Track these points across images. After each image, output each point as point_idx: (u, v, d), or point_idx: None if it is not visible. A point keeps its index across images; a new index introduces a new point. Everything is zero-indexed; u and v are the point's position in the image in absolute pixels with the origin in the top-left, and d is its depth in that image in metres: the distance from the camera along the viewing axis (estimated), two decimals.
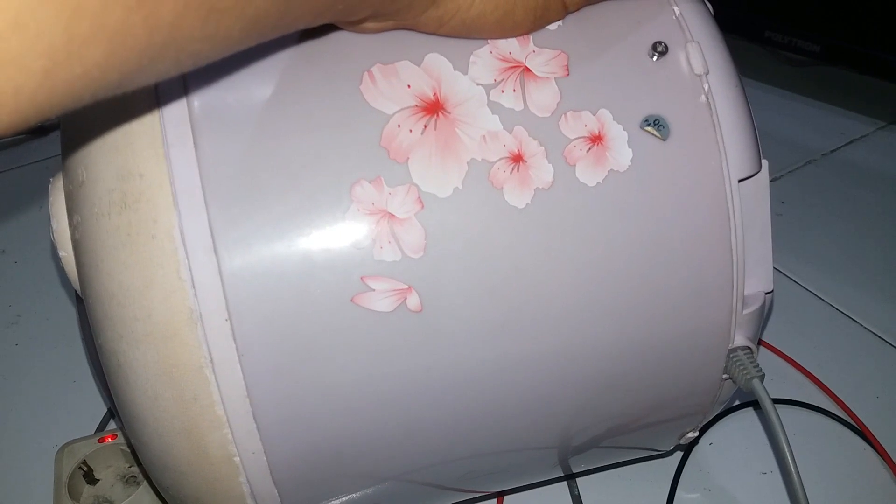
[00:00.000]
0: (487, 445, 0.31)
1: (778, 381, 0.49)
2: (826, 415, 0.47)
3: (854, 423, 0.46)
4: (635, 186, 0.28)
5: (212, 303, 0.26)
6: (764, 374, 0.32)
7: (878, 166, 0.67)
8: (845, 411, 0.47)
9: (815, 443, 0.45)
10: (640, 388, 0.31)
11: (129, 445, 0.42)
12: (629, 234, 0.28)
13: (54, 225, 0.29)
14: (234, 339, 0.26)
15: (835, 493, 0.43)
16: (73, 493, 0.42)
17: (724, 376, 0.33)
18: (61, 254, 0.29)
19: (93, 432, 0.46)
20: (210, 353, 0.26)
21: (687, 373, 0.32)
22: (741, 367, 0.31)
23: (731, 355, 0.32)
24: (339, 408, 0.28)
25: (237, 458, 0.28)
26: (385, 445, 0.29)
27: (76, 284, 0.29)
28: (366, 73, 0.28)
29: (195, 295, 0.26)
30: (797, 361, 0.50)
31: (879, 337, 0.52)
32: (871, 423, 0.46)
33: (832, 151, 0.68)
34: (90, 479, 0.43)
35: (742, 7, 0.70)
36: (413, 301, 0.27)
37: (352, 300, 0.27)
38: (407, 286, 0.27)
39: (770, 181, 0.31)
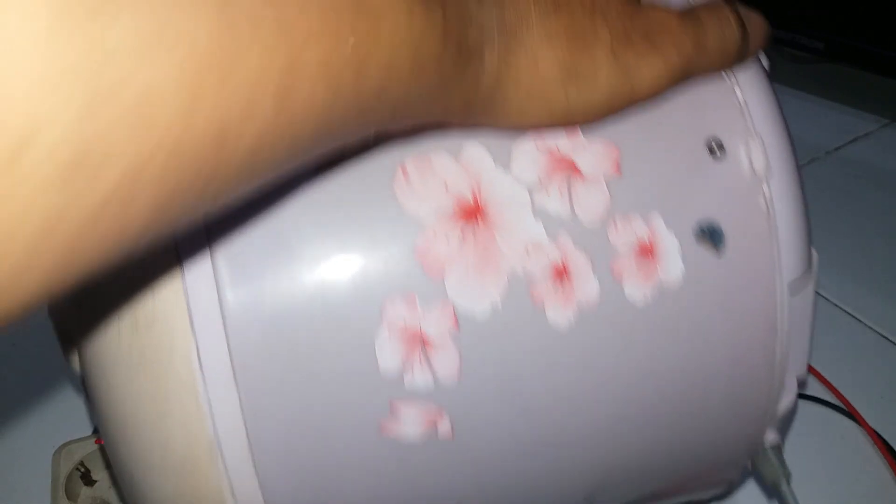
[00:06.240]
0: None
1: None
2: (827, 405, 0.45)
3: (858, 423, 0.45)
4: (685, 304, 0.26)
5: (233, 434, 0.24)
6: (790, 474, 0.31)
7: (882, 164, 0.66)
8: (849, 411, 0.46)
9: (819, 441, 0.44)
10: (666, 492, 0.30)
11: None
12: (674, 354, 0.27)
13: (58, 334, 0.26)
14: (256, 472, 0.24)
15: (839, 494, 0.42)
16: (71, 495, 0.40)
17: (750, 468, 0.32)
18: (67, 356, 0.26)
19: (90, 433, 0.45)
20: (231, 485, 0.24)
21: (714, 472, 0.31)
22: (769, 466, 0.31)
23: (761, 453, 0.31)
24: None
25: None
26: None
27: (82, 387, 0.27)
28: (399, 169, 0.25)
29: (214, 426, 0.24)
30: None
31: (884, 336, 0.51)
32: (875, 424, 0.45)
33: (836, 149, 0.67)
34: (87, 480, 0.42)
35: (744, 3, 0.67)
36: (444, 428, 0.25)
37: (379, 429, 0.25)
38: (438, 413, 0.25)
39: None
